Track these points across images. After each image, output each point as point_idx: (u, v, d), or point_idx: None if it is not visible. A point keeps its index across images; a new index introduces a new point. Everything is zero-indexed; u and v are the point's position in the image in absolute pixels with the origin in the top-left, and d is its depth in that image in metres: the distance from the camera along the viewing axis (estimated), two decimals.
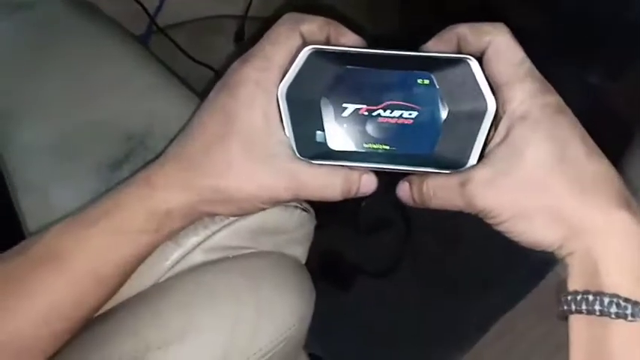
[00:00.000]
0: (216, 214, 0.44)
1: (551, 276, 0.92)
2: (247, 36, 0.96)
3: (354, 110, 0.40)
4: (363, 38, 0.41)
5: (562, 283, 0.35)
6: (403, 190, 0.41)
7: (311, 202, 0.49)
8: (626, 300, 0.32)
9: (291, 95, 0.39)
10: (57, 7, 0.63)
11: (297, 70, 0.39)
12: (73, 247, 0.39)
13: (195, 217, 0.42)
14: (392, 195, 0.42)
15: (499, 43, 0.37)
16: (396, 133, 0.40)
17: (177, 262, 0.44)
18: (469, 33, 0.38)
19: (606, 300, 0.33)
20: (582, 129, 0.36)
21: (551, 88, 0.37)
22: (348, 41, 0.41)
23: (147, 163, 0.43)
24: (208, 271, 0.44)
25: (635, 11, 0.77)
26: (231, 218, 0.44)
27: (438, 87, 0.39)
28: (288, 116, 0.39)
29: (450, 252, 1.01)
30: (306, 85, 0.39)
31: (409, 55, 0.39)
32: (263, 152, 0.39)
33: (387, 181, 0.42)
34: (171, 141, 0.43)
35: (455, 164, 0.38)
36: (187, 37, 0.91)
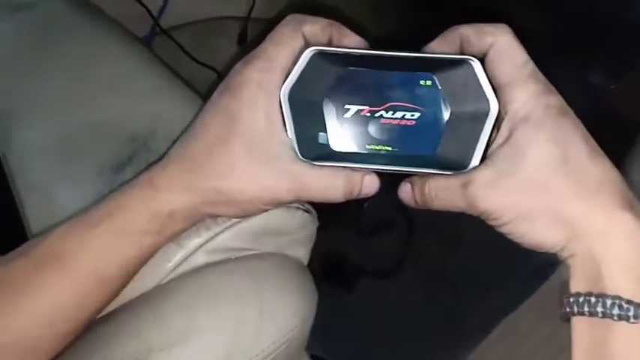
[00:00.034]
0: (219, 216, 0.44)
1: (554, 277, 0.92)
2: (250, 37, 0.96)
3: (357, 111, 0.40)
4: (365, 39, 0.41)
5: (564, 285, 0.35)
6: (405, 191, 0.41)
7: (313, 204, 0.49)
8: (629, 302, 0.32)
9: (294, 96, 0.39)
10: (59, 7, 0.63)
11: (299, 71, 0.39)
12: (75, 248, 0.39)
13: (197, 219, 0.42)
14: (394, 196, 0.42)
15: (502, 44, 0.37)
16: (399, 134, 0.40)
17: (180, 263, 0.44)
18: (472, 34, 0.38)
19: (609, 302, 0.32)
20: (585, 130, 0.36)
21: (554, 89, 0.37)
22: (351, 42, 0.41)
23: (150, 165, 0.43)
24: (210, 273, 0.44)
25: (635, 11, 0.76)
26: (234, 220, 0.45)
27: (440, 88, 0.39)
28: (290, 117, 0.39)
29: (452, 253, 1.01)
30: (309, 86, 0.39)
31: (411, 56, 0.39)
32: (265, 154, 0.39)
33: (389, 182, 0.42)
34: (174, 142, 0.43)
35: (457, 165, 0.38)
36: (190, 38, 0.91)
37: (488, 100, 0.38)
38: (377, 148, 0.40)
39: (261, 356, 0.42)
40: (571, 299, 0.34)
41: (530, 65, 0.37)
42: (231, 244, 0.45)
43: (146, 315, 0.42)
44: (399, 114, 0.39)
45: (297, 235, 0.49)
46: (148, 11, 0.85)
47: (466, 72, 0.38)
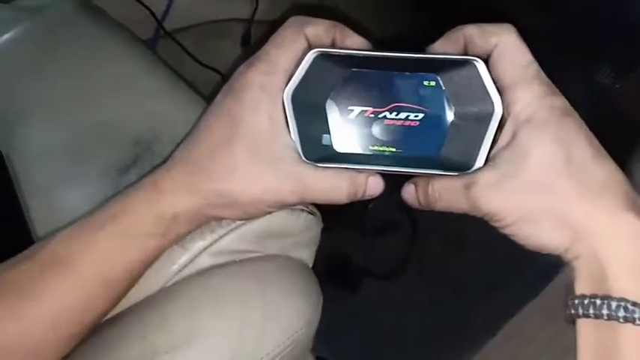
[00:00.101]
0: (223, 218, 0.44)
1: (558, 279, 0.92)
2: (254, 39, 0.96)
3: (360, 113, 0.40)
4: (368, 40, 0.41)
5: (569, 287, 0.35)
6: (409, 192, 0.41)
7: (317, 205, 0.49)
8: (634, 304, 0.32)
9: (297, 98, 0.39)
10: (65, 11, 0.63)
11: (302, 73, 0.39)
12: (80, 251, 0.39)
13: (201, 221, 0.42)
14: (397, 197, 0.42)
15: (506, 44, 0.37)
16: (402, 135, 0.40)
17: (184, 266, 0.44)
18: (476, 34, 0.38)
19: (614, 304, 0.32)
20: (588, 131, 0.36)
21: (557, 90, 0.37)
22: (354, 44, 0.40)
23: (154, 168, 0.43)
24: (215, 275, 0.44)
25: (637, 12, 0.76)
26: (238, 222, 0.45)
27: (444, 88, 0.39)
28: (293, 119, 0.39)
29: (456, 254, 1.00)
30: (312, 88, 0.39)
31: (415, 57, 0.38)
32: (268, 156, 0.39)
33: (393, 183, 0.42)
34: (178, 145, 0.43)
35: (461, 166, 0.38)
36: (194, 40, 0.92)
37: (492, 101, 0.37)
38: (381, 149, 0.40)
39: (266, 359, 0.42)
40: (576, 301, 0.34)
41: (535, 66, 0.37)
42: (236, 246, 0.45)
43: (151, 318, 0.42)
44: (402, 115, 0.39)
45: (302, 237, 0.49)
46: (152, 14, 0.85)
47: (470, 73, 0.38)
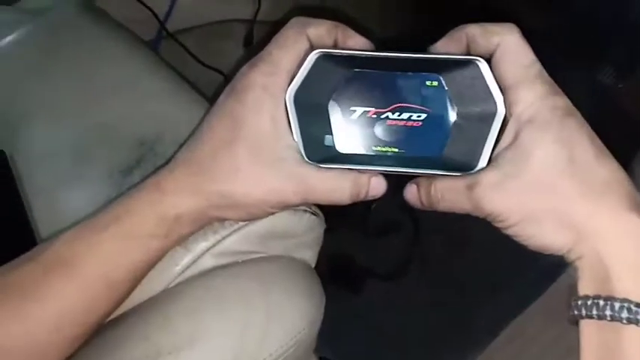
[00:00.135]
0: (226, 219, 0.44)
1: (561, 279, 0.91)
2: (256, 40, 0.96)
3: (363, 113, 0.40)
4: (370, 41, 0.41)
5: (572, 288, 0.35)
6: (411, 192, 0.41)
7: (320, 206, 0.49)
8: (638, 305, 0.32)
9: (299, 99, 0.39)
10: (68, 13, 0.63)
11: (304, 73, 0.39)
12: (83, 252, 0.39)
13: (204, 222, 0.42)
14: (400, 197, 0.42)
15: (508, 44, 0.37)
16: (405, 135, 0.40)
17: (187, 267, 0.44)
18: (478, 33, 0.38)
19: (617, 305, 0.32)
20: (591, 131, 0.36)
21: (560, 90, 0.37)
22: (356, 44, 0.40)
23: (157, 169, 0.43)
24: (218, 276, 0.44)
25: (637, 12, 0.76)
26: (241, 223, 0.45)
27: (446, 89, 0.39)
28: (296, 120, 0.39)
29: (458, 255, 1.00)
30: (314, 88, 0.39)
31: (417, 57, 0.38)
32: (271, 157, 0.39)
33: (395, 183, 0.42)
34: (181, 146, 0.43)
35: (464, 167, 0.38)
36: (197, 41, 0.92)
37: (495, 101, 0.37)
38: (383, 149, 0.40)
39: (269, 359, 0.42)
40: (579, 302, 0.34)
41: (537, 66, 0.37)
42: (239, 247, 0.45)
43: (154, 319, 0.42)
44: (405, 115, 0.39)
45: (305, 238, 0.49)
46: (155, 15, 0.85)
47: (473, 72, 0.38)
